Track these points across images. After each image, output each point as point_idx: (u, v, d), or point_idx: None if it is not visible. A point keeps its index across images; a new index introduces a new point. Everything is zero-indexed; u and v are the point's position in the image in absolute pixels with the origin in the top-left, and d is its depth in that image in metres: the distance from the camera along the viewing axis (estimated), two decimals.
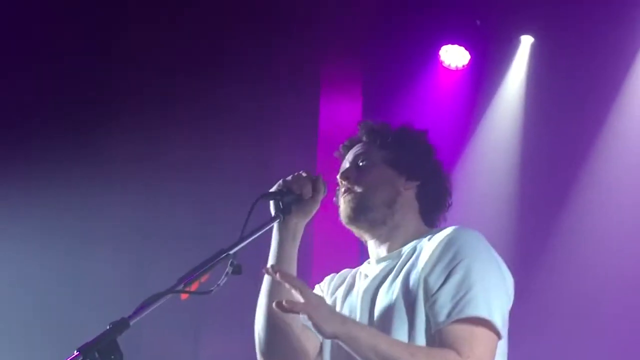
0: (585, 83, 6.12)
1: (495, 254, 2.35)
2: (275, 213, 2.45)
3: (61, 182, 5.58)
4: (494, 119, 6.60)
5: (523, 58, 6.53)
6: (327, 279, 2.68)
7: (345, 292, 2.55)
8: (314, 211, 2.51)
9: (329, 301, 2.56)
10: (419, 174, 2.55)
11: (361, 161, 2.56)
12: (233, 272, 2.19)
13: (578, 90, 6.13)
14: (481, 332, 2.20)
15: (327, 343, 2.49)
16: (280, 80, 6.04)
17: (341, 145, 2.68)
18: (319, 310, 2.19)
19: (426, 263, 2.31)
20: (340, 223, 2.59)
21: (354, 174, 2.55)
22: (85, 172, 5.68)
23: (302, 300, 2.20)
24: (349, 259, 2.77)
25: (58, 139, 5.64)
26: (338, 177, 2.58)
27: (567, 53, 6.20)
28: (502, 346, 2.33)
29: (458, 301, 2.20)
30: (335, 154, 2.69)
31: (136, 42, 5.92)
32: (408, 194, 2.54)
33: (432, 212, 2.58)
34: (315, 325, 2.19)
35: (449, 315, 2.21)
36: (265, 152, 5.90)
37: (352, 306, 2.49)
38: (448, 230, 2.37)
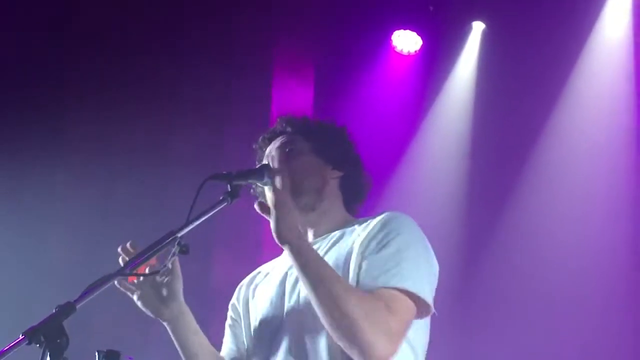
0: (535, 70, 6.18)
1: (426, 239, 2.45)
2: (222, 196, 2.40)
3: (17, 162, 5.56)
4: (445, 104, 6.65)
5: (474, 44, 6.59)
6: (236, 291, 2.73)
7: (264, 275, 2.64)
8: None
9: (243, 305, 2.66)
10: (343, 164, 2.63)
11: (289, 149, 2.59)
12: (180, 252, 2.20)
13: (528, 77, 6.19)
14: (406, 301, 2.28)
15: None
16: (232, 64, 6.02)
17: (262, 137, 2.71)
18: (290, 211, 2.30)
19: (364, 240, 2.39)
20: None
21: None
22: (42, 152, 5.65)
23: None
24: None
25: (16, 119, 5.60)
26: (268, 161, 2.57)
27: (517, 40, 6.25)
28: (427, 321, 2.44)
29: (389, 269, 2.29)
30: (254, 146, 2.72)
31: (92, 25, 5.90)
32: (333, 183, 2.62)
33: (354, 202, 2.67)
34: (277, 220, 2.28)
35: (377, 278, 2.29)
36: (218, 135, 5.88)
37: (276, 282, 2.54)
38: (383, 214, 2.46)
